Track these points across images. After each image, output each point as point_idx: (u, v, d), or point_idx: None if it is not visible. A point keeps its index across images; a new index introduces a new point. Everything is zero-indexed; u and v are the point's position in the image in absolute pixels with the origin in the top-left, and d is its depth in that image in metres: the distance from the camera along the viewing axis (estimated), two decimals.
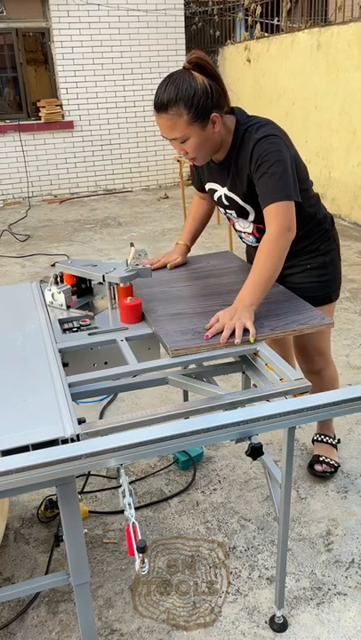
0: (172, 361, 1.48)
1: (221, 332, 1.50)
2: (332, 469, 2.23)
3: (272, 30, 7.52)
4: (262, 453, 1.30)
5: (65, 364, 1.47)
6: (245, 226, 1.88)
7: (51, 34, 7.31)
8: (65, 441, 1.13)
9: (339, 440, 2.33)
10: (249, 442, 1.29)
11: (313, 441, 2.33)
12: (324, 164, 5.97)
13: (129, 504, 1.16)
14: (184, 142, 1.62)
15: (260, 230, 1.84)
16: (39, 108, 7.52)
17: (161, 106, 1.56)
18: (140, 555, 1.08)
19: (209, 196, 2.01)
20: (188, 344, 1.48)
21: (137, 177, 8.24)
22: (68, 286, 1.82)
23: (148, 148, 8.16)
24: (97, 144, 7.89)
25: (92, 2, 7.21)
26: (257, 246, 1.85)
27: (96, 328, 1.68)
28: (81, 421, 1.22)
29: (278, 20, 7.31)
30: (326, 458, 2.25)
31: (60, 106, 7.57)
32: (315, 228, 1.88)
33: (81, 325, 1.68)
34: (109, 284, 1.76)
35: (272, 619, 1.66)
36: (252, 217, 1.82)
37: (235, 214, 1.86)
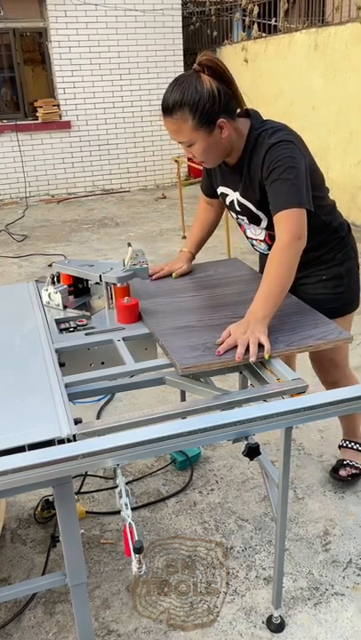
0: (169, 361, 1.48)
1: (233, 347, 1.42)
2: (358, 471, 2.20)
3: (269, 30, 7.52)
4: (259, 453, 1.30)
5: (62, 364, 1.47)
6: (257, 233, 1.82)
7: (48, 34, 7.30)
8: (61, 441, 1.13)
9: None
10: (246, 442, 1.29)
11: (339, 447, 2.28)
12: (321, 165, 5.94)
13: (125, 504, 1.16)
14: (190, 146, 1.59)
15: (272, 238, 1.75)
16: (36, 108, 7.51)
17: (166, 109, 1.53)
18: (137, 555, 1.08)
19: (217, 203, 1.97)
20: (199, 361, 1.39)
21: (134, 177, 8.24)
22: (65, 286, 1.82)
23: (145, 148, 8.16)
24: (94, 144, 7.89)
25: (90, 2, 7.20)
26: (268, 254, 1.78)
27: (93, 328, 1.67)
28: (77, 421, 1.22)
29: (276, 21, 7.32)
30: (351, 461, 2.21)
31: (58, 106, 7.57)
32: (330, 237, 1.82)
33: (78, 325, 1.68)
34: (106, 284, 1.76)
35: (269, 619, 1.66)
36: (264, 224, 1.75)
37: (247, 220, 1.80)
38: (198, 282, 1.96)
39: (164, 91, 1.54)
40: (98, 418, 2.63)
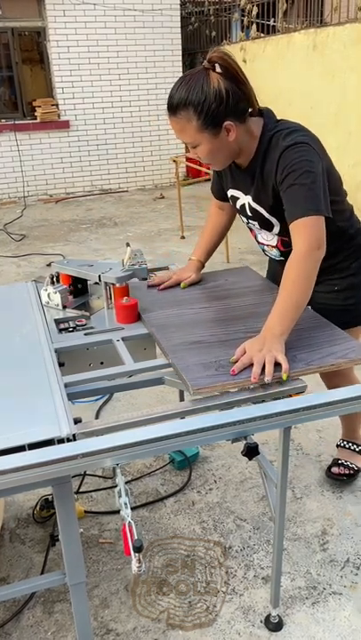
0: (168, 361, 1.48)
1: (249, 366, 1.33)
2: (351, 472, 2.20)
3: (268, 31, 7.53)
4: (258, 453, 1.30)
5: (61, 364, 1.47)
6: (269, 238, 1.74)
7: (46, 33, 7.30)
8: (61, 441, 1.13)
9: None
10: (245, 442, 1.30)
11: (337, 446, 2.28)
12: None
13: (125, 503, 1.16)
14: (195, 147, 1.52)
15: (285, 243, 1.70)
16: (35, 107, 7.51)
17: (171, 107, 1.47)
18: (137, 554, 1.08)
19: (228, 206, 1.88)
20: (213, 381, 1.29)
21: (133, 177, 8.24)
22: (65, 286, 1.82)
23: (143, 147, 8.16)
24: (93, 144, 7.88)
25: (88, 1, 7.20)
26: (281, 260, 1.74)
27: (92, 328, 1.68)
28: (77, 421, 1.22)
29: (274, 21, 7.32)
30: (346, 461, 2.21)
31: (56, 105, 7.56)
32: (346, 245, 1.73)
33: (77, 325, 1.69)
34: (105, 284, 1.76)
35: (267, 618, 1.67)
36: (276, 229, 1.68)
37: (258, 225, 1.72)
38: (208, 292, 1.86)
39: (171, 87, 1.48)
40: (97, 418, 2.64)
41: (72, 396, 1.35)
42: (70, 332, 1.66)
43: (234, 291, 1.85)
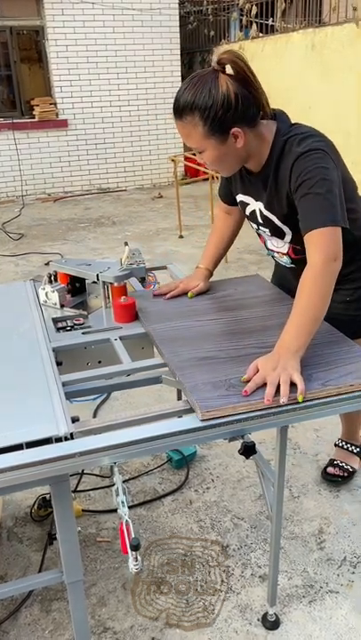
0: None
1: (262, 386, 1.25)
2: (345, 474, 2.20)
3: (266, 30, 7.53)
4: (255, 452, 1.30)
5: (59, 363, 1.48)
6: (280, 245, 1.67)
7: (45, 32, 7.29)
8: (59, 439, 1.13)
9: None
10: (242, 441, 1.30)
11: (335, 445, 2.28)
12: None
13: (122, 502, 1.17)
14: (201, 153, 1.46)
15: (296, 251, 1.63)
16: (33, 106, 7.50)
17: (176, 110, 1.40)
18: (134, 552, 1.08)
19: (237, 211, 1.82)
20: (223, 403, 1.21)
21: (131, 176, 8.24)
22: (63, 285, 1.83)
23: (142, 147, 8.16)
24: (91, 143, 7.88)
25: (87, 0, 7.20)
26: (292, 267, 1.70)
27: (90, 327, 1.68)
28: (75, 420, 1.22)
29: (273, 21, 7.33)
30: (342, 462, 2.22)
31: (54, 104, 7.56)
32: (359, 254, 1.65)
33: (75, 324, 1.69)
34: (103, 283, 1.76)
35: (264, 616, 1.67)
36: (288, 238, 1.61)
37: (269, 233, 1.65)
38: (217, 302, 1.76)
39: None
40: (94, 417, 2.64)
41: (70, 395, 1.36)
42: (68, 330, 1.66)
43: (244, 301, 1.76)
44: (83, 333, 1.63)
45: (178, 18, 7.81)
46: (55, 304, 1.79)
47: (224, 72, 1.37)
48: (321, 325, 1.42)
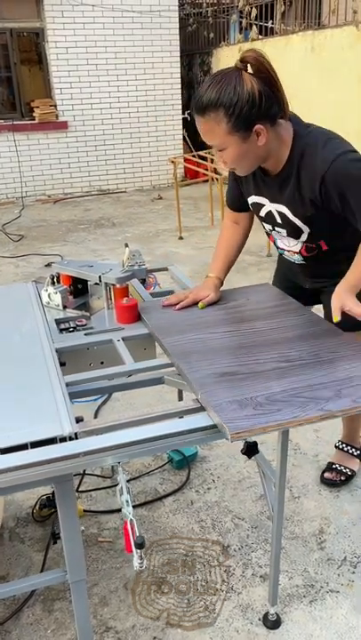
0: (168, 361, 1.50)
1: (289, 405, 1.23)
2: (344, 477, 2.20)
3: (266, 33, 7.56)
4: (258, 451, 1.32)
5: (62, 364, 1.49)
6: (292, 244, 1.68)
7: (45, 34, 7.31)
8: (63, 439, 1.15)
9: None
10: (244, 440, 1.31)
11: (335, 446, 2.29)
12: None
13: (127, 501, 1.18)
14: (222, 150, 1.46)
15: (309, 249, 1.66)
16: (33, 108, 7.52)
17: (200, 107, 1.40)
18: (138, 550, 1.10)
19: (245, 218, 1.83)
20: (252, 423, 1.16)
21: (131, 177, 8.26)
22: (65, 287, 1.84)
23: (142, 148, 8.17)
24: (91, 144, 7.89)
25: (87, 2, 7.22)
26: (301, 264, 1.73)
27: (92, 328, 1.69)
28: (78, 420, 1.24)
29: (272, 23, 7.35)
30: (340, 465, 2.22)
31: (55, 106, 7.57)
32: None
33: (77, 325, 1.70)
34: (106, 284, 1.77)
35: (265, 616, 1.68)
36: (304, 237, 1.63)
37: (285, 233, 1.66)
38: (230, 313, 1.71)
39: (198, 90, 1.41)
40: (95, 417, 2.65)
41: (73, 396, 1.37)
42: (71, 332, 1.67)
43: (258, 312, 1.71)
44: (85, 334, 1.65)
45: (177, 20, 7.83)
46: (58, 305, 1.80)
47: (246, 70, 1.39)
48: (345, 337, 1.50)
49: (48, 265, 4.92)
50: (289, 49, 6.44)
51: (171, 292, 2.12)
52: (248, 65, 1.39)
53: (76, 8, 7.21)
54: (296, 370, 1.35)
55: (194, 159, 5.70)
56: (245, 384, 1.30)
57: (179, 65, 8.01)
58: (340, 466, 2.22)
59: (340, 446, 2.26)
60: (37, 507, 2.08)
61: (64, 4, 7.15)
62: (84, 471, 2.28)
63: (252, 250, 4.84)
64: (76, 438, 1.16)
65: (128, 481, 2.27)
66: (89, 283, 1.93)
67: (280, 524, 1.54)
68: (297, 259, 1.74)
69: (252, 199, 1.70)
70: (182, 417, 1.30)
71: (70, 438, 1.15)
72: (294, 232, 1.63)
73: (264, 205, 1.66)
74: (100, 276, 1.76)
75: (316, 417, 1.18)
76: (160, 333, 1.59)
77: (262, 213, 1.69)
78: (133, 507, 2.11)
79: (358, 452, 2.25)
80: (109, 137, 7.95)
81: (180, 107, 8.14)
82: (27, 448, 1.11)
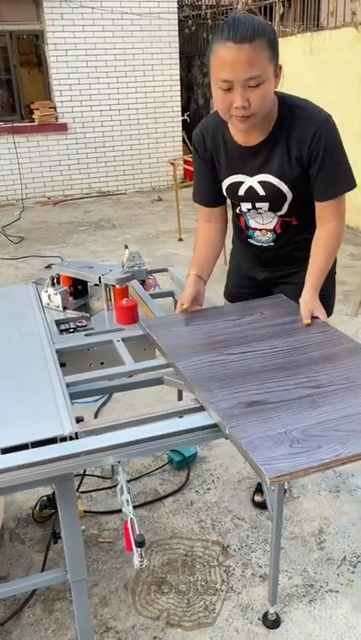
0: (167, 361, 1.50)
1: (329, 442, 1.12)
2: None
3: None
4: None
5: (62, 365, 1.50)
6: (267, 222, 1.70)
7: (45, 36, 7.32)
8: (63, 439, 1.15)
9: None
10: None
11: None
12: None
13: (127, 500, 1.19)
14: (257, 87, 1.40)
15: (284, 225, 1.70)
16: (33, 110, 7.52)
17: (245, 36, 1.34)
18: (139, 549, 1.10)
19: (218, 214, 1.80)
20: (292, 465, 1.04)
21: (130, 179, 8.26)
22: (65, 288, 1.85)
23: (141, 150, 8.18)
24: (91, 146, 7.90)
25: (86, 5, 7.23)
26: (268, 246, 1.76)
27: (92, 329, 1.70)
28: (79, 420, 1.24)
29: (271, 25, 7.36)
30: None
31: (54, 108, 7.58)
32: None
33: (77, 326, 1.71)
34: (106, 285, 1.78)
35: (265, 615, 1.69)
36: (285, 208, 1.65)
37: (266, 207, 1.66)
38: (245, 330, 1.59)
39: (231, 23, 1.37)
40: (95, 418, 2.65)
41: (73, 396, 1.38)
42: (71, 332, 1.68)
43: (275, 328, 1.60)
44: (85, 335, 1.65)
45: (177, 22, 7.84)
46: (58, 306, 1.81)
47: None
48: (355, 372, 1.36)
49: (48, 266, 4.93)
50: (288, 50, 6.45)
51: (170, 294, 2.13)
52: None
53: (76, 10, 7.22)
54: (329, 397, 1.24)
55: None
56: (276, 416, 1.19)
57: (178, 67, 8.02)
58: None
59: None
60: (38, 507, 2.08)
61: (63, 7, 7.16)
62: (85, 472, 2.28)
63: None
64: (77, 438, 1.16)
65: (128, 481, 2.27)
66: (89, 284, 1.94)
67: (279, 525, 1.55)
68: (268, 239, 1.75)
69: (228, 181, 1.68)
70: (182, 417, 1.31)
71: (71, 438, 1.16)
72: (277, 202, 1.64)
73: (243, 182, 1.65)
74: (99, 277, 1.77)
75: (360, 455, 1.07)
76: (174, 355, 1.46)
77: (241, 192, 1.66)
78: (133, 507, 2.13)
79: None
80: (109, 139, 7.96)
81: (180, 108, 8.14)
82: (27, 448, 1.12)
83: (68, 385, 1.38)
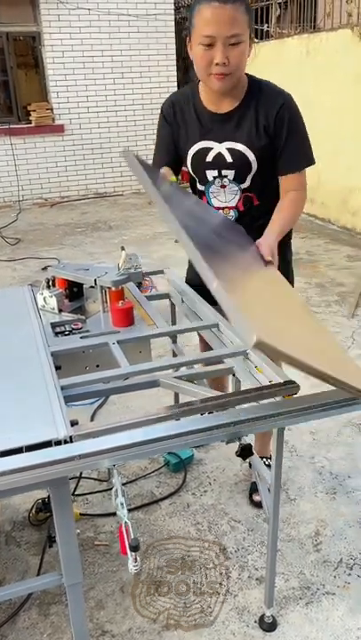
0: (163, 363, 1.50)
1: None
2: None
3: (262, 36, 7.58)
4: (252, 454, 1.32)
5: (57, 367, 1.49)
6: (229, 198, 1.79)
7: (41, 38, 7.31)
8: (58, 442, 1.15)
9: None
10: (239, 443, 1.32)
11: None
12: (313, 168, 6.02)
13: (121, 504, 1.18)
14: (236, 45, 1.55)
15: (246, 201, 1.78)
16: (30, 111, 7.52)
17: None
18: (133, 553, 1.10)
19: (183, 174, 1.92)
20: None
21: (127, 180, 8.26)
22: (60, 290, 1.84)
23: (138, 151, 8.17)
24: (87, 147, 7.90)
25: (83, 6, 7.23)
26: None
27: (88, 331, 1.70)
28: (74, 423, 1.24)
29: (268, 26, 7.37)
30: None
31: (51, 109, 7.58)
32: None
33: (73, 329, 1.70)
34: (101, 287, 1.78)
35: (261, 618, 1.69)
36: (248, 181, 1.75)
37: (231, 176, 1.75)
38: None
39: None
40: (92, 421, 2.65)
41: (68, 399, 1.37)
42: (66, 335, 1.67)
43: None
44: (81, 337, 1.65)
45: (173, 24, 7.84)
46: (53, 309, 1.81)
47: None
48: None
49: (45, 268, 4.92)
50: (285, 52, 6.46)
51: (167, 295, 2.13)
52: None
53: (72, 12, 7.22)
54: None
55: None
56: None
57: (175, 68, 8.02)
58: None
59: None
60: (34, 510, 2.07)
61: (60, 8, 7.16)
62: (81, 474, 2.28)
63: None
64: (72, 441, 1.16)
65: (124, 484, 2.27)
66: (84, 286, 1.94)
67: (276, 527, 1.55)
68: (231, 217, 1.84)
69: (196, 147, 1.76)
70: (178, 419, 1.30)
71: (65, 441, 1.15)
72: (242, 170, 1.74)
73: (212, 149, 1.74)
74: (95, 280, 1.76)
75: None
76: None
77: (209, 158, 1.75)
78: (130, 510, 2.12)
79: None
80: (106, 140, 7.96)
81: None
82: (22, 451, 1.12)
83: (63, 388, 1.37)
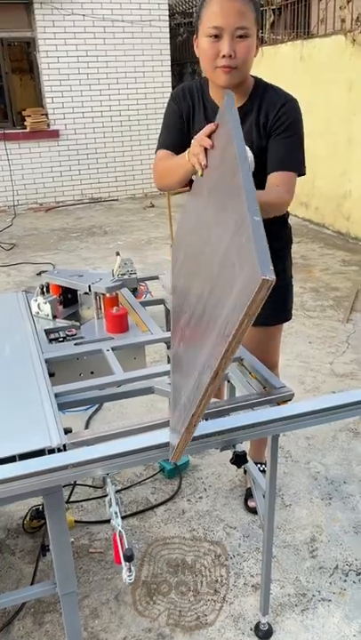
0: (158, 370, 1.50)
1: None
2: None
3: None
4: (246, 461, 1.32)
5: (51, 374, 1.48)
6: None
7: (36, 43, 7.33)
8: (52, 451, 1.14)
9: None
10: (233, 450, 1.31)
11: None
12: (308, 174, 6.04)
13: (115, 513, 1.17)
14: (244, 39, 1.54)
15: None
16: (24, 116, 7.53)
17: None
18: (127, 563, 1.09)
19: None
20: None
21: (122, 186, 8.27)
22: (54, 297, 1.84)
23: (133, 157, 8.19)
24: (82, 153, 7.91)
25: (78, 12, 7.25)
26: None
27: (82, 338, 1.69)
28: (67, 431, 1.23)
29: (262, 32, 7.41)
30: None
31: (46, 115, 7.59)
32: (283, 228, 1.86)
33: (67, 335, 1.70)
34: (95, 294, 1.77)
35: (257, 626, 1.68)
36: None
37: None
38: None
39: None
40: (86, 427, 2.64)
41: (62, 406, 1.36)
42: (60, 342, 1.67)
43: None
44: (75, 344, 1.64)
45: (168, 30, 7.88)
46: (47, 315, 1.80)
47: None
48: None
49: (40, 273, 4.91)
50: (279, 58, 6.49)
51: (161, 301, 2.13)
52: None
53: (67, 18, 7.24)
54: None
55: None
56: None
57: (170, 74, 8.05)
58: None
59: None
60: (28, 518, 2.06)
61: (55, 14, 7.18)
62: (75, 482, 2.27)
63: None
64: (65, 450, 1.15)
65: (119, 491, 2.26)
66: (79, 292, 1.93)
67: (271, 533, 1.54)
68: None
69: None
70: None
71: (59, 450, 1.15)
72: None
73: None
74: (89, 286, 1.76)
75: None
76: None
77: None
78: (125, 517, 2.12)
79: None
80: (101, 145, 7.97)
81: None
82: (14, 460, 1.11)
83: (57, 395, 1.37)
